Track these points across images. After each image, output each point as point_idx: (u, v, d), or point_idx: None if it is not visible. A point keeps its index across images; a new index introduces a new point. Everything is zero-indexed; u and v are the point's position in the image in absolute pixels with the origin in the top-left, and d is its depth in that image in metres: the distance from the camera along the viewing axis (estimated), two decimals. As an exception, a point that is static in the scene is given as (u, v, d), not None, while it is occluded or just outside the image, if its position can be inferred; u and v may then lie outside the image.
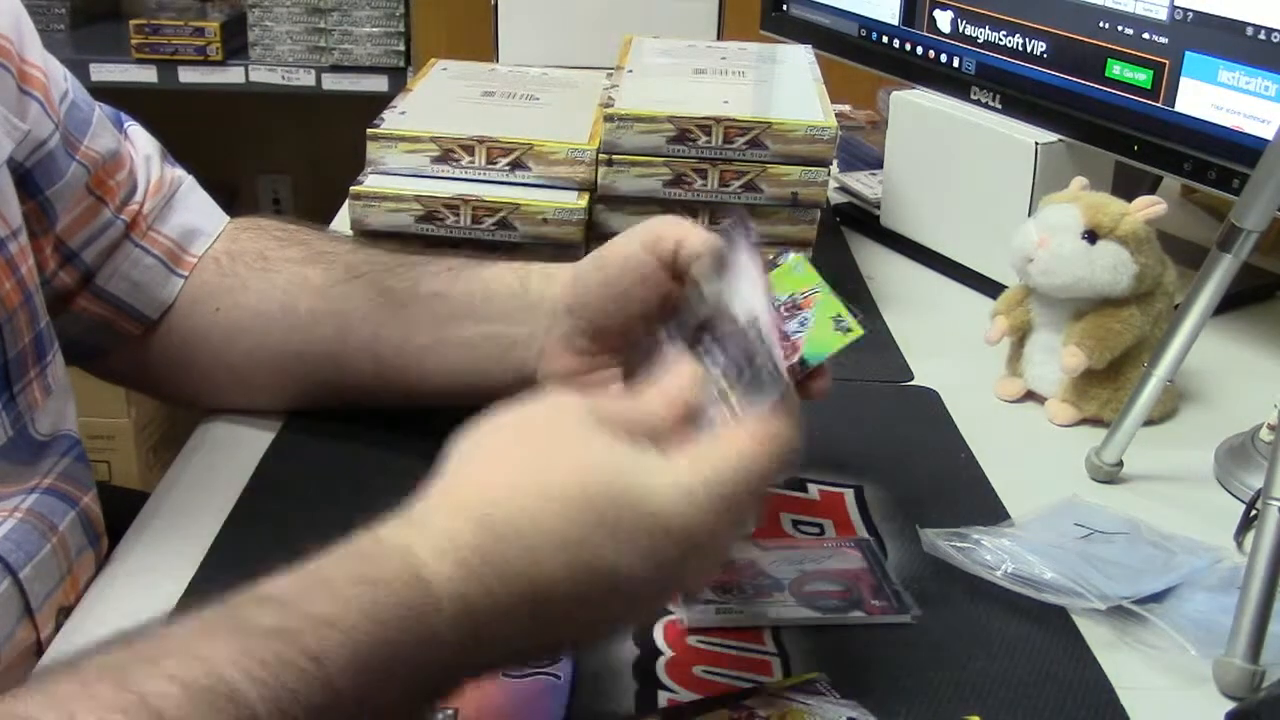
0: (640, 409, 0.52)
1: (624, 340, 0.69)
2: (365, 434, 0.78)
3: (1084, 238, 0.82)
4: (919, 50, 1.13)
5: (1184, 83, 0.90)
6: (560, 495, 0.47)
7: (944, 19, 1.09)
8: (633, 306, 0.67)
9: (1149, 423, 0.78)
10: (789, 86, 1.00)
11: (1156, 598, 0.65)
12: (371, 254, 0.79)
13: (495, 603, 0.46)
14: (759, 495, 0.52)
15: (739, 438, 0.51)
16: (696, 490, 0.48)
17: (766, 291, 0.57)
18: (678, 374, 0.54)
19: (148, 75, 2.27)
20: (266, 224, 0.82)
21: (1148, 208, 0.83)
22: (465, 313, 0.74)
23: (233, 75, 2.29)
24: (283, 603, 0.43)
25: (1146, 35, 0.92)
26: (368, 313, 0.76)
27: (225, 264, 0.80)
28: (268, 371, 0.79)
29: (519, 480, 0.48)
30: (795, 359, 0.58)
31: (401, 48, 2.25)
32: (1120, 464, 0.78)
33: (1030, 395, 0.88)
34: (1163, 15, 0.90)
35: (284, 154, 2.74)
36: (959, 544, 0.68)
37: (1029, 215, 0.91)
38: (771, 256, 0.66)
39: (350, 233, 0.89)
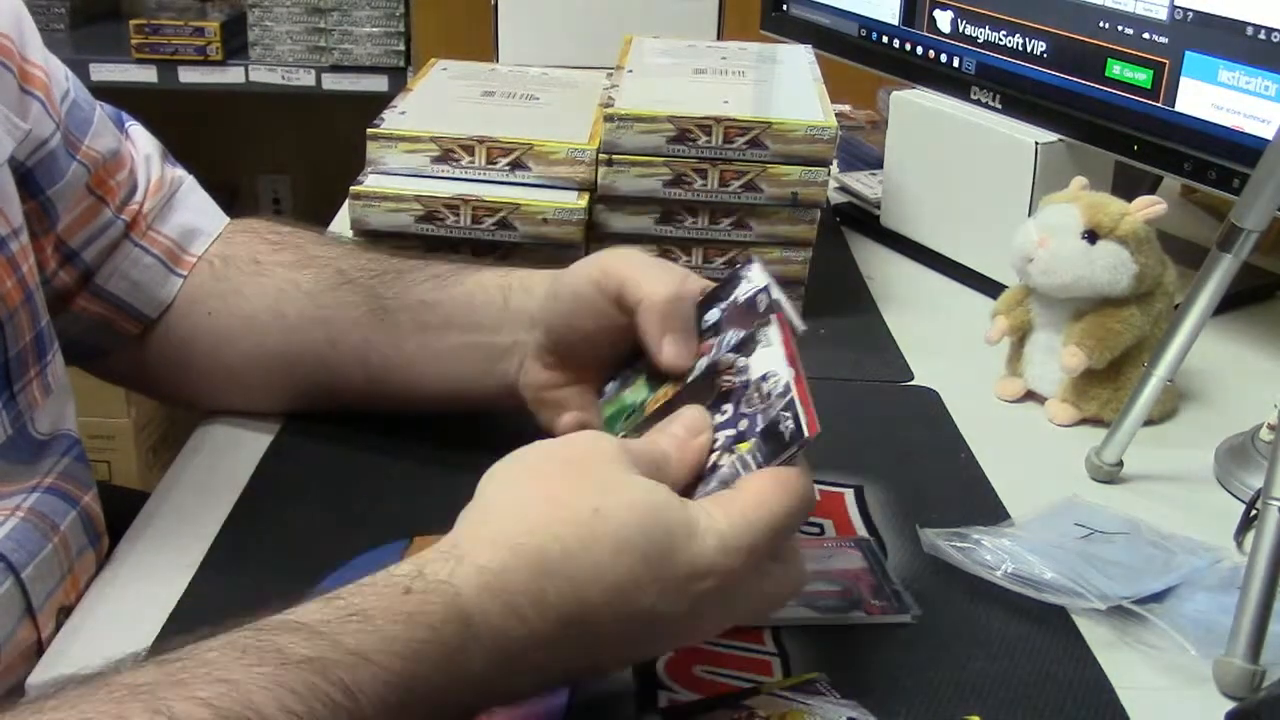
0: (664, 453, 0.53)
1: (589, 360, 0.68)
2: (364, 435, 0.78)
3: (1084, 238, 0.82)
4: (919, 50, 1.13)
5: (1184, 83, 0.90)
6: (608, 532, 0.47)
7: (944, 19, 1.09)
8: (585, 334, 0.66)
9: (1149, 423, 0.78)
10: (789, 86, 1.00)
11: (1156, 598, 0.65)
12: (363, 259, 0.79)
13: (533, 636, 0.46)
14: (781, 546, 0.52)
15: (763, 490, 0.51)
16: (731, 540, 0.49)
17: (790, 343, 0.57)
18: (689, 422, 0.55)
19: (148, 75, 2.27)
20: (260, 227, 0.82)
21: (1148, 208, 0.83)
22: (450, 321, 0.74)
23: (233, 75, 2.28)
24: (318, 632, 0.43)
25: (1146, 35, 0.92)
26: (357, 319, 0.76)
27: (219, 267, 0.80)
28: (261, 374, 0.79)
29: (563, 513, 0.48)
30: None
31: (401, 48, 2.25)
32: (1120, 464, 0.78)
33: (1030, 395, 0.88)
34: (1163, 15, 0.90)
35: (284, 154, 2.74)
36: (959, 544, 0.68)
37: (1029, 215, 0.91)
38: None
39: (350, 233, 0.89)
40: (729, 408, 0.56)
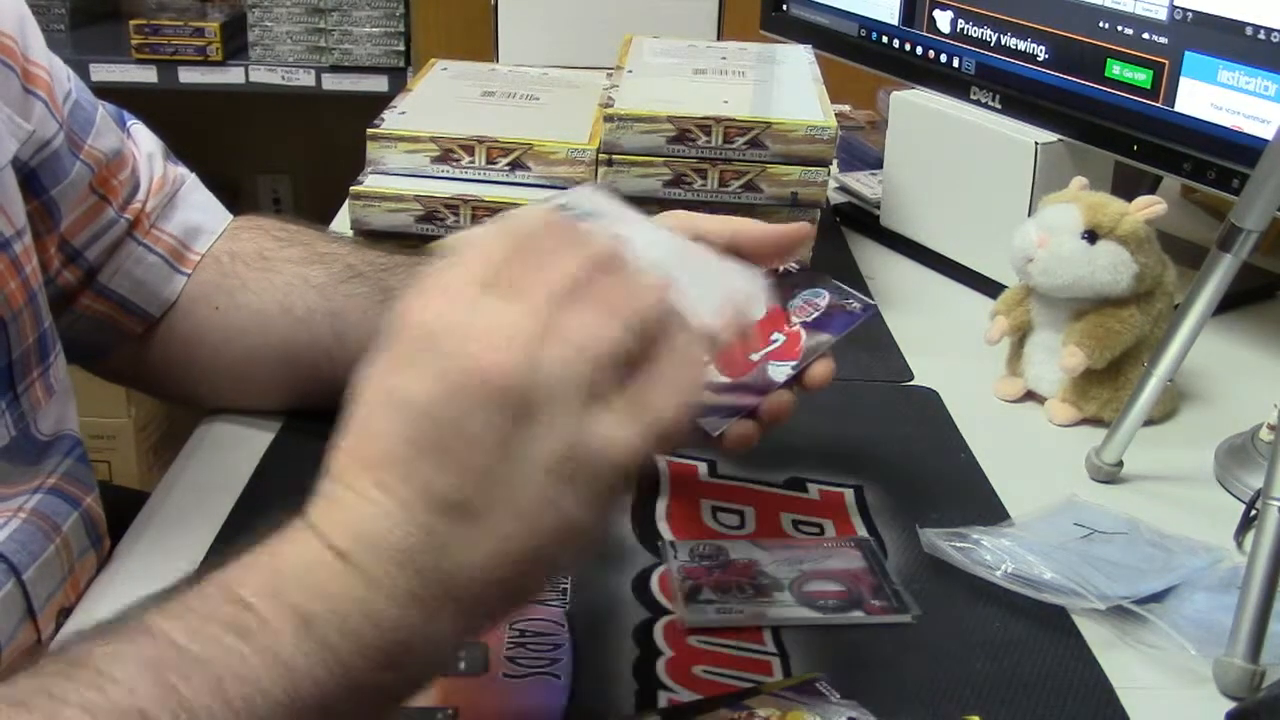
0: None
1: None
2: (366, 434, 0.78)
3: (1084, 238, 0.82)
4: (919, 50, 1.13)
5: (1184, 83, 0.90)
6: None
7: (944, 19, 1.09)
8: None
9: (1149, 423, 0.78)
10: (789, 86, 1.00)
11: (1156, 598, 0.65)
12: (371, 254, 0.79)
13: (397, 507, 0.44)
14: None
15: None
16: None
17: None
18: None
19: (148, 75, 2.26)
20: (267, 223, 0.82)
21: (1148, 208, 0.83)
22: None
23: (233, 75, 2.28)
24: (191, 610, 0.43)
25: (1146, 35, 0.92)
26: (367, 313, 0.76)
27: (226, 263, 0.80)
28: (267, 371, 0.79)
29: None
30: None
31: (401, 48, 2.25)
32: (1120, 464, 0.78)
33: (1030, 395, 0.88)
34: (1162, 15, 0.90)
35: (284, 154, 2.74)
36: (959, 544, 0.68)
37: (1029, 215, 0.91)
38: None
39: (350, 233, 0.89)
40: None
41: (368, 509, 0.44)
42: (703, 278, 0.56)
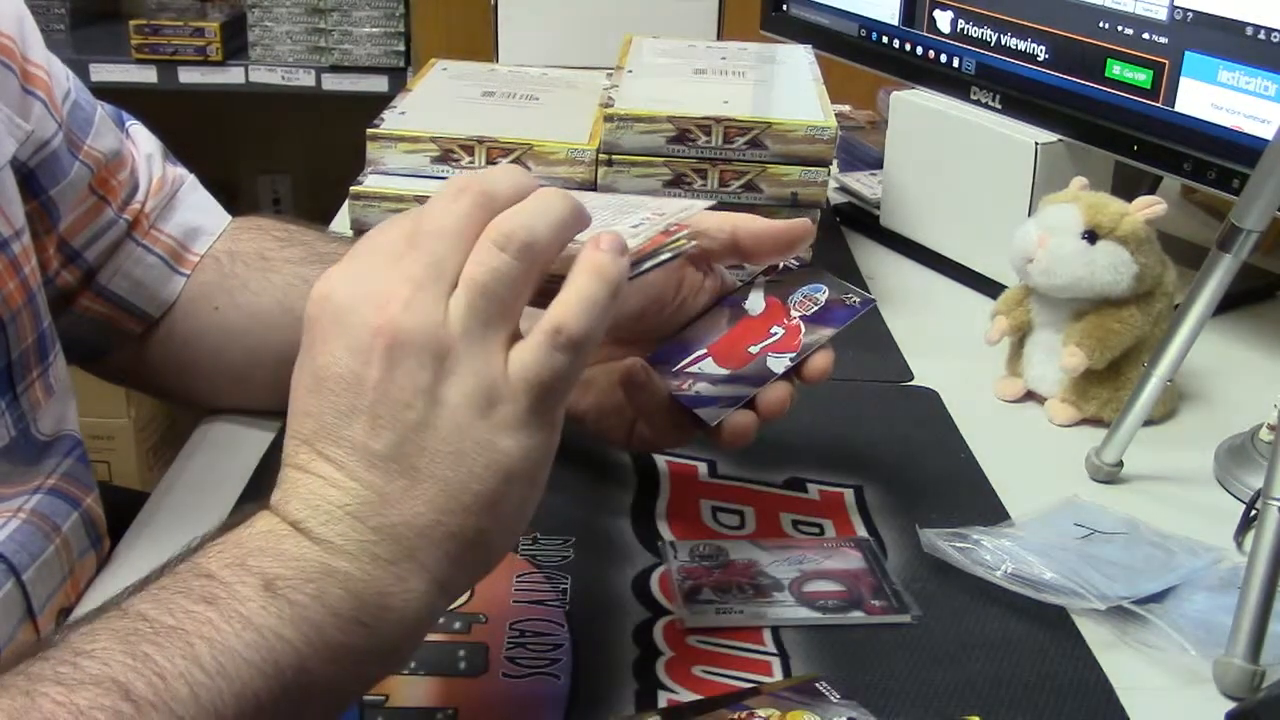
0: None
1: (639, 330, 0.68)
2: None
3: (1084, 238, 0.82)
4: (919, 50, 1.13)
5: (1184, 83, 0.90)
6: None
7: (944, 19, 1.09)
8: (650, 295, 0.67)
9: (1149, 423, 0.78)
10: (789, 86, 1.00)
11: (1156, 598, 0.65)
12: None
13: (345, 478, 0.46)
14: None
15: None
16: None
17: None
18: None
19: (148, 75, 2.27)
20: (267, 224, 0.82)
21: (1148, 208, 0.83)
22: None
23: (233, 75, 2.29)
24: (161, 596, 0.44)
25: (1146, 35, 0.92)
26: None
27: (225, 263, 0.80)
28: (267, 371, 0.79)
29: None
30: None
31: (401, 48, 2.25)
32: (1120, 464, 0.78)
33: (1030, 395, 0.88)
34: (1163, 15, 0.90)
35: (284, 154, 2.74)
36: (959, 544, 0.68)
37: (1029, 215, 0.91)
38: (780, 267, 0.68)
39: (350, 233, 0.89)
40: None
41: (314, 482, 0.46)
42: (629, 206, 0.58)
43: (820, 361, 0.65)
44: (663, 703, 0.57)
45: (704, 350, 0.67)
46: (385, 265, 0.48)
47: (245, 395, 0.80)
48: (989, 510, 0.73)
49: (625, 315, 0.67)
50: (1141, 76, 0.93)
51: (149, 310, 0.78)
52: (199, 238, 0.80)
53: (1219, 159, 0.87)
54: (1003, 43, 1.04)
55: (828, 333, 0.65)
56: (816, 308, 0.67)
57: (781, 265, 0.69)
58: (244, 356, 0.79)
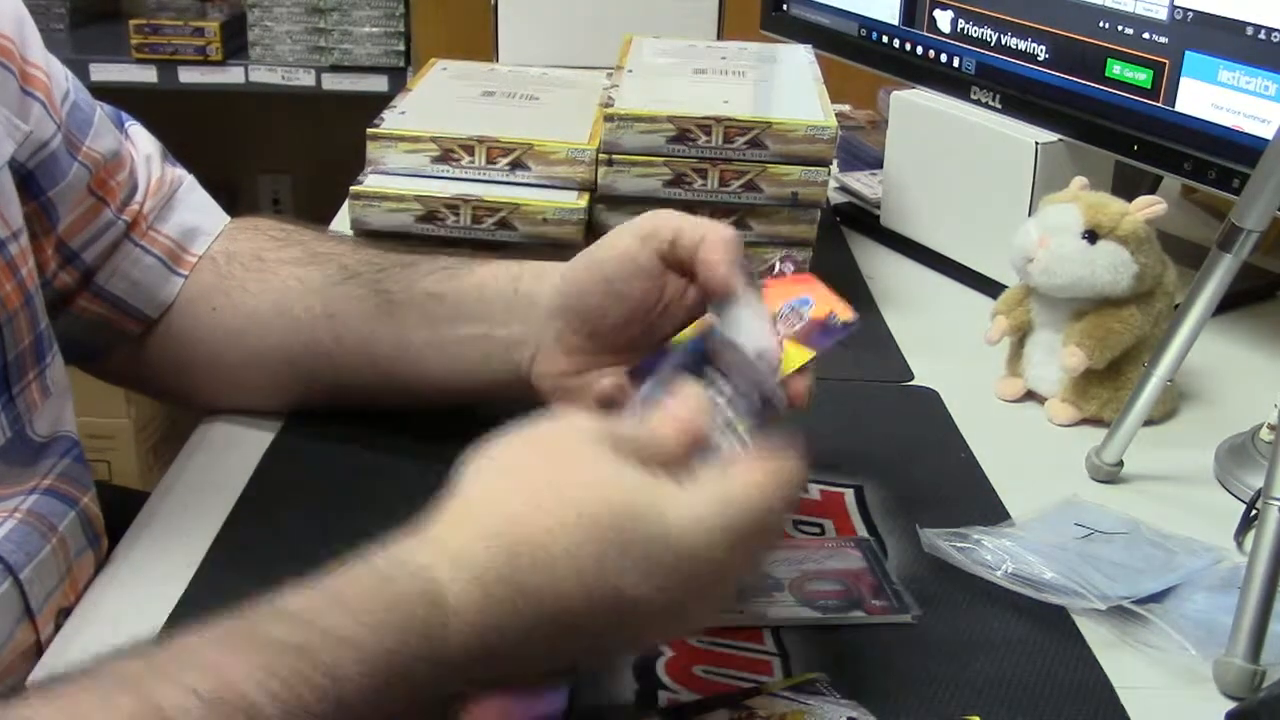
0: (651, 434, 0.52)
1: (623, 339, 0.68)
2: (365, 434, 0.78)
3: (1084, 238, 0.82)
4: (919, 50, 1.13)
5: (1184, 82, 0.90)
6: (579, 516, 0.47)
7: (944, 19, 1.09)
8: (631, 303, 0.67)
9: (1149, 423, 0.78)
10: (789, 86, 1.00)
11: (1156, 598, 0.65)
12: (368, 255, 0.79)
13: (510, 623, 0.46)
14: (770, 531, 0.52)
15: (752, 471, 0.51)
16: (710, 521, 0.48)
17: (770, 321, 0.57)
18: (686, 401, 0.54)
19: (148, 75, 2.27)
20: (264, 225, 0.82)
21: (1148, 208, 0.83)
22: (460, 313, 0.74)
23: (233, 75, 2.28)
24: (301, 620, 0.43)
25: (1146, 35, 0.92)
26: (364, 314, 0.76)
27: (222, 264, 0.80)
28: (265, 372, 0.79)
29: (537, 499, 0.48)
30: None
31: (401, 48, 2.25)
32: (1120, 464, 0.78)
33: (1030, 395, 0.88)
34: (1163, 15, 0.90)
35: (284, 154, 2.74)
36: (959, 544, 0.68)
37: (1029, 215, 0.91)
38: (771, 261, 0.68)
39: (350, 233, 0.89)
40: (726, 385, 0.58)
41: None
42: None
43: (797, 386, 0.62)
44: (663, 703, 0.57)
45: None
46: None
47: (244, 396, 0.80)
48: (989, 510, 0.73)
49: (607, 325, 0.68)
50: (1142, 76, 0.93)
51: (147, 311, 0.78)
52: (197, 239, 0.80)
53: (1219, 159, 0.87)
54: (1003, 42, 1.04)
55: (809, 355, 0.63)
56: (801, 324, 0.65)
57: (776, 270, 0.68)
58: (242, 358, 0.78)
